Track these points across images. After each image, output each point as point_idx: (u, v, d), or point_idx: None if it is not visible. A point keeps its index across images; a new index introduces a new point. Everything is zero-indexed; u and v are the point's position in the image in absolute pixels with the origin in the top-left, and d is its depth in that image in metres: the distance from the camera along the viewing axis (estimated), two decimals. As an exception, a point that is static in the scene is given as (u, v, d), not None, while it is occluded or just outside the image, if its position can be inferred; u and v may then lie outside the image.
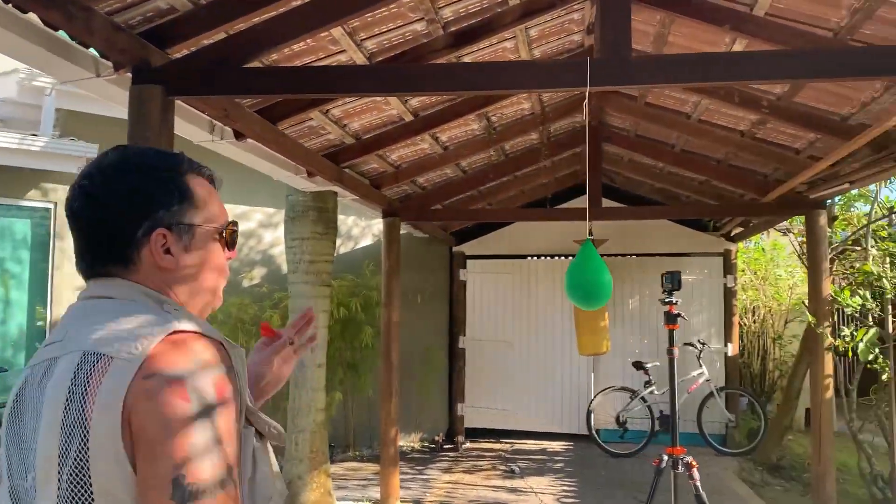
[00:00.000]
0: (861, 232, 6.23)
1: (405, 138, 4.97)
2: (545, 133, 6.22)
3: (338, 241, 9.03)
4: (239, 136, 3.93)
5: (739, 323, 9.13)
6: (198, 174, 1.19)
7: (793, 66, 2.48)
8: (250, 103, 3.74)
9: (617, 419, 8.27)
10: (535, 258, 9.17)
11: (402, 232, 6.46)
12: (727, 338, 8.69)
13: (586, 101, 3.32)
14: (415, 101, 4.68)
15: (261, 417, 1.15)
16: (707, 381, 8.06)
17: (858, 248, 6.34)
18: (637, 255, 8.83)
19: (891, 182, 7.54)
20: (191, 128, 3.75)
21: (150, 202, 1.11)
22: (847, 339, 4.76)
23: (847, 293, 5.05)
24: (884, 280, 5.50)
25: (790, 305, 9.54)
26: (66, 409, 0.94)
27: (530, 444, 8.71)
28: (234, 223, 1.22)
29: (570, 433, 8.80)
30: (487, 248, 9.16)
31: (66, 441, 0.93)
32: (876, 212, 6.27)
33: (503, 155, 6.55)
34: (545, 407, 8.92)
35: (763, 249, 10.20)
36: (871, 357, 4.61)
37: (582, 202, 8.84)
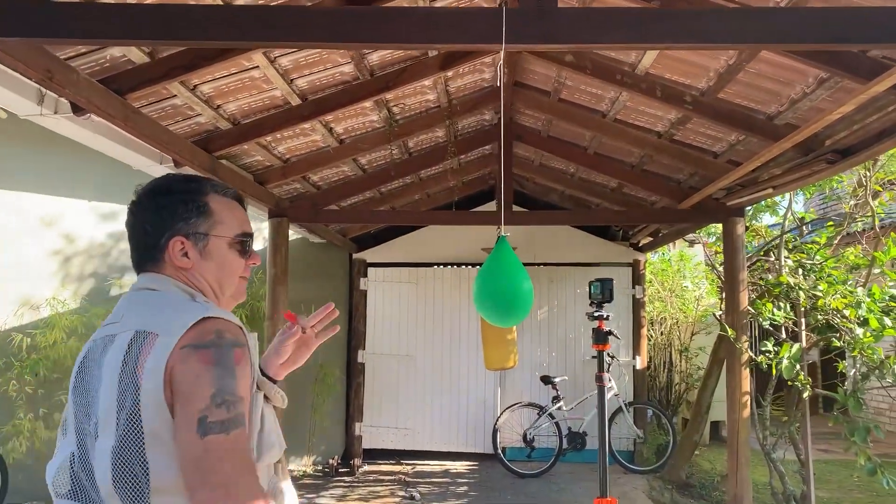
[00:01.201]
0: (774, 242, 6.03)
1: (291, 125, 4.32)
2: (453, 130, 5.70)
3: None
4: (78, 110, 3.19)
5: (646, 335, 8.92)
6: (221, 195, 1.47)
7: (751, 29, 2.05)
8: (86, 67, 3.02)
9: (524, 437, 7.85)
10: (442, 266, 8.66)
11: (295, 236, 5.79)
12: (635, 350, 8.44)
13: (501, 62, 2.80)
14: (302, 82, 4.05)
15: (268, 385, 1.48)
16: (616, 395, 7.77)
17: (771, 259, 6.14)
18: (545, 264, 8.43)
19: (797, 193, 7.48)
20: (14, 97, 3.01)
21: (173, 216, 1.41)
22: (770, 355, 4.45)
23: (770, 305, 4.77)
24: (800, 291, 5.28)
25: (696, 317, 9.43)
26: (121, 371, 1.25)
27: (433, 466, 8.14)
28: (244, 234, 1.48)
29: (476, 452, 8.30)
30: (390, 256, 8.55)
31: (121, 395, 1.23)
32: (790, 220, 6.10)
33: (406, 153, 5.99)
34: (449, 425, 8.38)
35: (670, 261, 10.09)
36: (794, 374, 4.31)
37: (491, 208, 8.48)
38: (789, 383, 4.57)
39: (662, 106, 4.46)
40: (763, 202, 6.51)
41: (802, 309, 5.29)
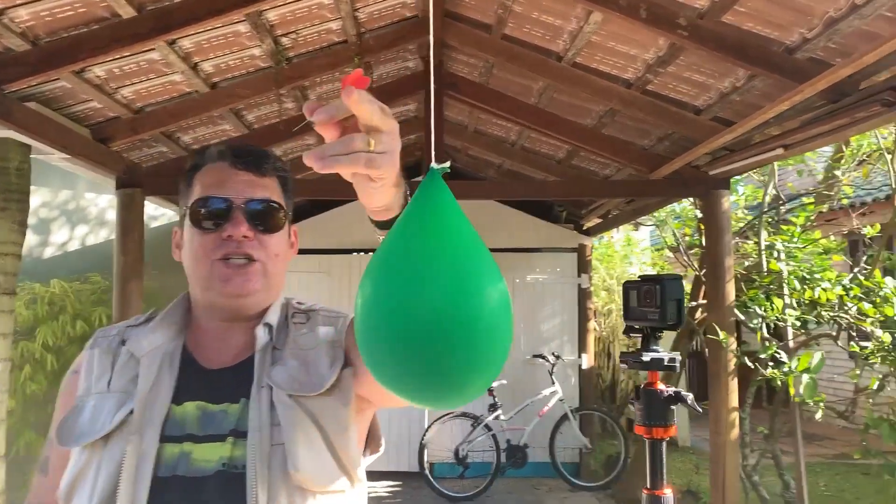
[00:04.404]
0: (755, 222, 5.04)
1: (124, 46, 2.96)
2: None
3: (83, 229, 6.82)
4: None
5: (593, 329, 7.90)
6: (218, 160, 1.20)
7: None
8: None
9: (456, 453, 6.69)
10: (360, 253, 7.38)
11: (155, 212, 4.40)
12: (581, 347, 7.39)
13: None
14: (131, -21, 2.71)
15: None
16: (561, 400, 6.73)
17: (750, 243, 5.14)
18: (480, 250, 7.26)
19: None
20: None
21: (180, 205, 1.23)
22: (786, 370, 3.39)
23: (779, 301, 3.74)
24: (793, 279, 4.29)
25: (645, 308, 8.48)
26: None
27: (349, 488, 6.89)
28: (200, 198, 1.16)
29: (399, 471, 7.09)
30: (298, 241, 7.20)
31: None
32: (770, 197, 5.12)
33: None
34: (368, 439, 7.14)
35: (616, 245, 9.11)
36: (815, 394, 3.27)
37: (417, 184, 7.17)
38: (802, 402, 3.53)
39: (646, 34, 3.32)
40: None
41: (796, 303, 4.30)
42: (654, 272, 8.52)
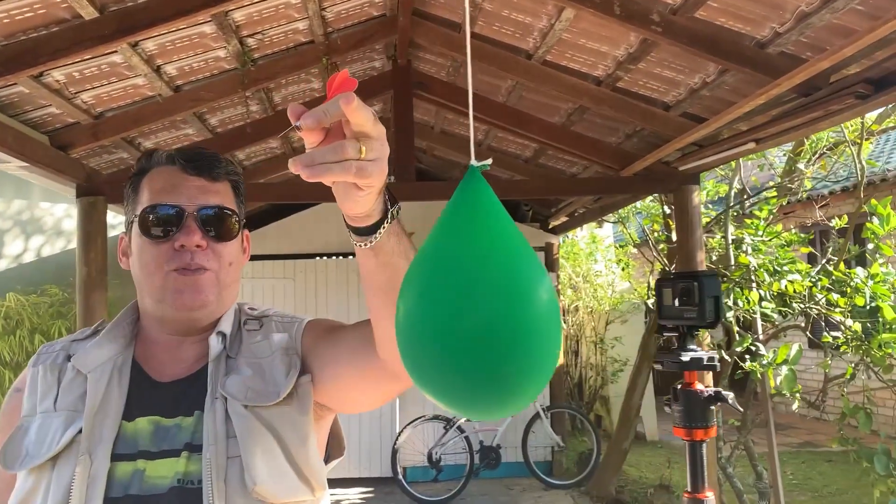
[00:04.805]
0: (721, 216, 5.11)
1: (86, 48, 2.84)
2: (331, 75, 4.34)
3: (38, 239, 6.56)
4: None
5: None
6: (166, 164, 1.14)
7: None
8: None
9: (429, 456, 6.64)
10: (325, 258, 7.28)
11: (113, 220, 4.26)
12: (551, 346, 7.40)
13: None
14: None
15: None
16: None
17: (716, 237, 5.20)
18: (447, 251, 7.21)
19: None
20: None
21: (126, 210, 1.16)
22: (763, 363, 3.42)
23: (755, 295, 3.77)
24: (762, 272, 4.35)
25: (612, 304, 8.55)
26: None
27: (321, 497, 6.78)
28: (150, 205, 1.09)
29: (372, 477, 7.00)
30: (260, 247, 7.05)
31: None
32: (735, 191, 5.19)
33: (270, 108, 4.55)
34: (339, 446, 7.03)
35: (580, 243, 9.17)
36: (794, 387, 3.30)
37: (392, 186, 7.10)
38: (779, 394, 3.57)
39: (618, 30, 3.32)
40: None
41: (769, 296, 4.36)
42: (619, 266, 8.59)
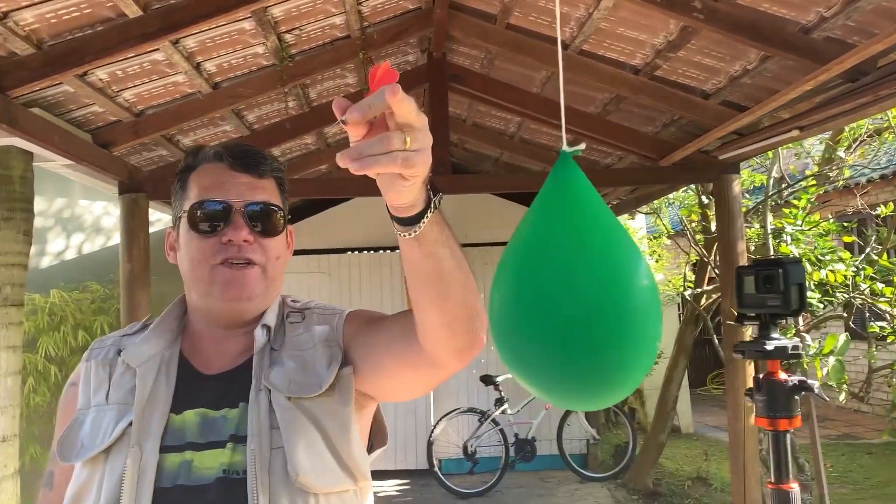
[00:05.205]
0: (759, 205, 5.03)
1: (130, 47, 2.87)
2: (368, 69, 4.35)
3: (79, 237, 6.66)
4: None
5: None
6: (213, 161, 1.17)
7: None
8: None
9: (464, 449, 6.66)
10: (358, 252, 7.31)
11: (151, 217, 4.32)
12: (585, 338, 7.37)
13: None
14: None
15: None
16: (567, 392, 6.69)
17: (754, 227, 5.13)
18: (478, 244, 7.19)
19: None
20: None
21: (174, 206, 1.20)
22: (811, 353, 3.38)
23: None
24: (805, 262, 4.28)
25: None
26: None
27: (357, 489, 6.83)
28: (199, 201, 1.13)
29: (408, 469, 7.05)
30: (296, 242, 6.98)
31: None
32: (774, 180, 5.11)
33: (306, 104, 4.58)
34: (375, 439, 7.08)
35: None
36: (842, 379, 3.25)
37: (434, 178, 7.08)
38: (827, 386, 3.51)
39: (658, 18, 3.28)
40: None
41: (809, 284, 4.28)
42: (651, 255, 8.52)
